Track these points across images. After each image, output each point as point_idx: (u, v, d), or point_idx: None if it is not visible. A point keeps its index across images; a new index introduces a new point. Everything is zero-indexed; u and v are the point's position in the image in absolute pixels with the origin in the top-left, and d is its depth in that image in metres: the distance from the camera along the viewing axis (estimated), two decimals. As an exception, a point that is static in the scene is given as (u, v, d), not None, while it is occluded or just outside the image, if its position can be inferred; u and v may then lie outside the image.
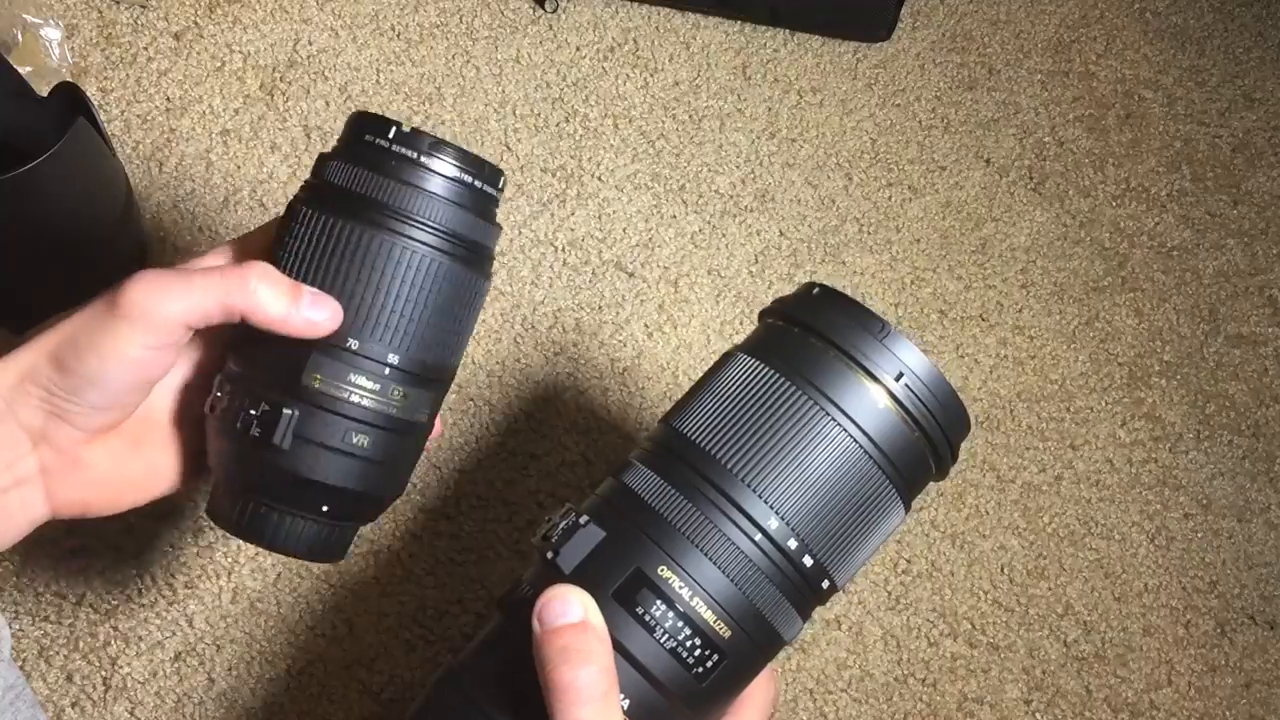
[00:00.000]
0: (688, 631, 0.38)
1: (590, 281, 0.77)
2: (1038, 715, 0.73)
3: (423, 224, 0.41)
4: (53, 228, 0.59)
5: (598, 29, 0.86)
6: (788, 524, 0.39)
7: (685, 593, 0.38)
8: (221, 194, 0.72)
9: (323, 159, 0.43)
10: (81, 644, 0.59)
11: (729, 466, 0.40)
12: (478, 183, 0.43)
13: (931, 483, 0.45)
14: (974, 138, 0.93)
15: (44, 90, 0.61)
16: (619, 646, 0.38)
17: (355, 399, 0.42)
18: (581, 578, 0.39)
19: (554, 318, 0.75)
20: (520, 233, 0.76)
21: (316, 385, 0.41)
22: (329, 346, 0.41)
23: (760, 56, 0.90)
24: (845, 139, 0.89)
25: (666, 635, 0.38)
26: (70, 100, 0.59)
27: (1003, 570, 0.76)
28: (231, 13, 0.77)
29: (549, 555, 0.40)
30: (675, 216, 0.81)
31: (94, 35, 0.74)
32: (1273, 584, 0.82)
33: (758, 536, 0.39)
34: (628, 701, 0.38)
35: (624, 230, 0.79)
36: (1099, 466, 0.82)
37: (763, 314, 0.45)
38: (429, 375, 0.43)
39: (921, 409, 0.41)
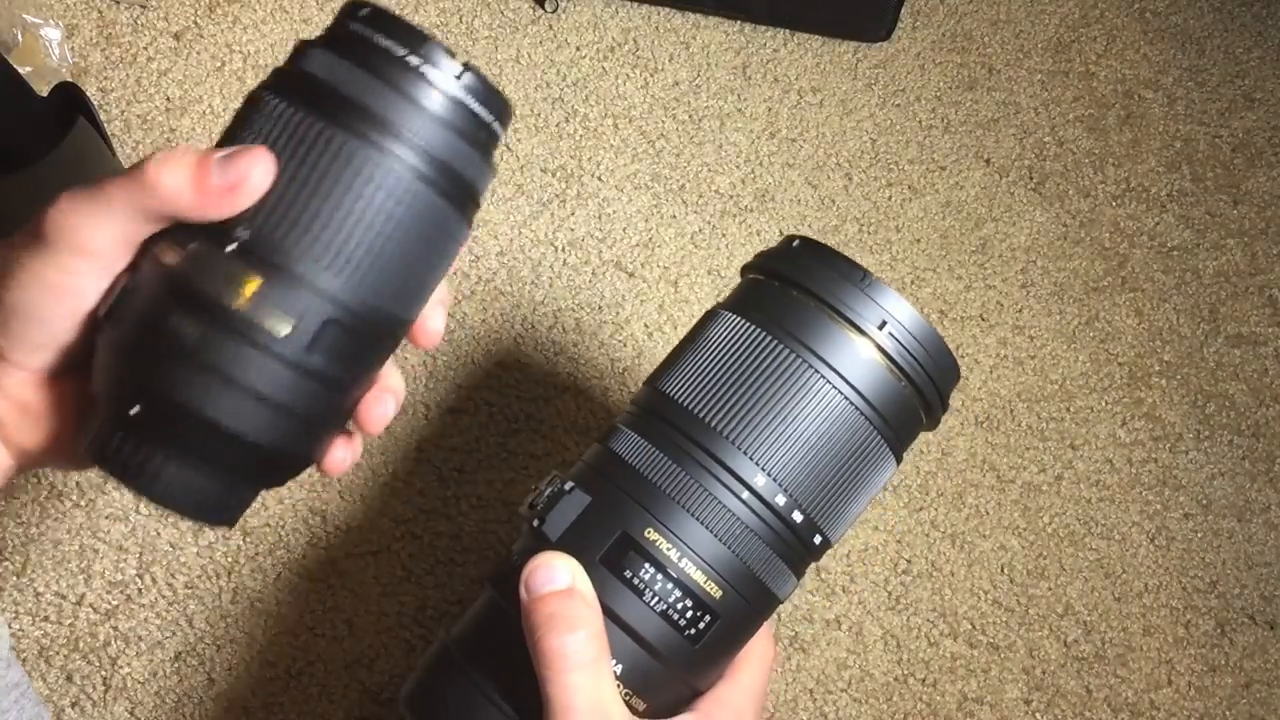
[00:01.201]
0: (678, 594, 0.38)
1: (590, 281, 0.77)
2: (1038, 715, 0.73)
3: (408, 142, 0.34)
4: (53, 228, 0.59)
5: (598, 29, 0.86)
6: (775, 480, 0.39)
7: (673, 554, 0.38)
8: (221, 194, 0.72)
9: (303, 45, 0.35)
10: (81, 644, 0.59)
11: (713, 425, 0.39)
12: (484, 111, 0.36)
13: (923, 432, 0.44)
14: (974, 138, 0.93)
15: (44, 90, 0.61)
16: (609, 611, 0.37)
17: (180, 268, 0.33)
18: (568, 544, 0.39)
19: (554, 318, 0.75)
20: (520, 233, 0.76)
21: (156, 251, 0.34)
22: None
23: (760, 56, 0.90)
24: (845, 139, 0.89)
25: (656, 598, 0.38)
26: (70, 100, 0.59)
27: (1003, 570, 0.76)
28: (231, 13, 0.77)
29: (535, 523, 0.40)
30: (675, 216, 0.81)
31: (94, 35, 0.74)
32: (1273, 584, 0.82)
33: (744, 494, 0.39)
34: (620, 666, 0.38)
35: (624, 230, 0.79)
36: (1099, 466, 0.82)
37: (744, 269, 0.45)
38: (292, 269, 0.33)
39: (908, 358, 0.40)
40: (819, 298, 0.40)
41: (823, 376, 0.39)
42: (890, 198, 0.88)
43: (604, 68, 0.85)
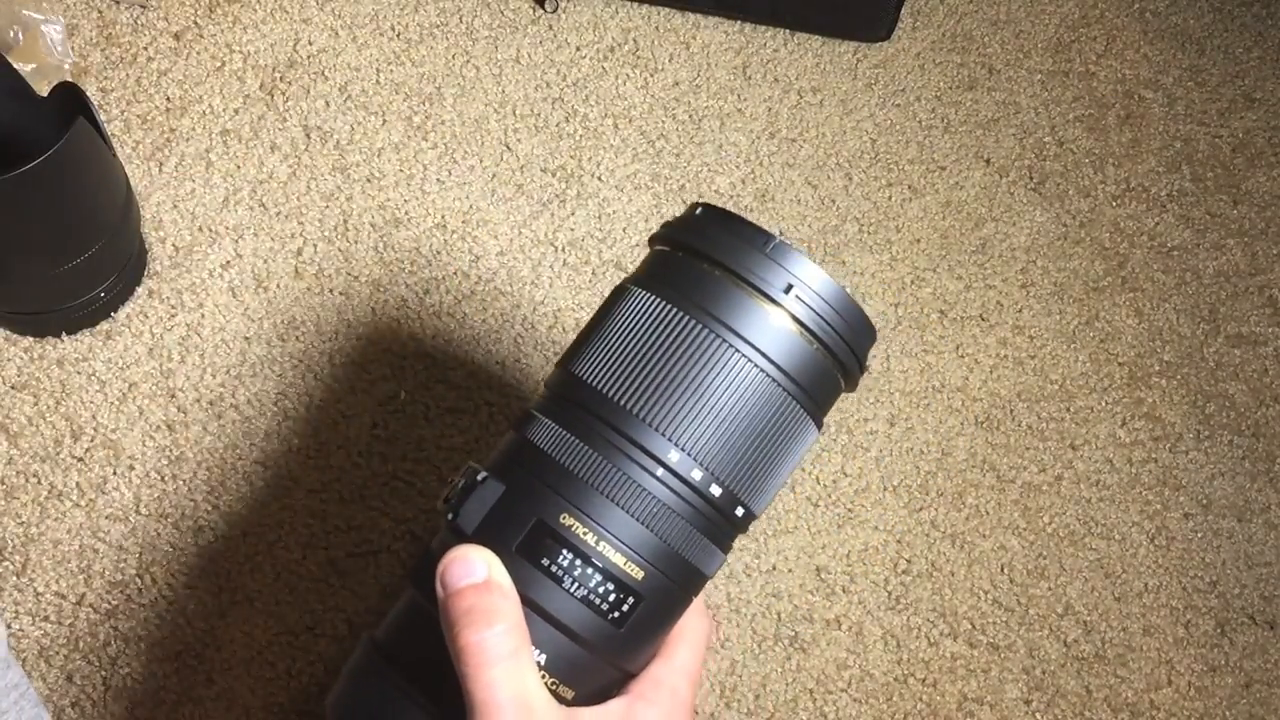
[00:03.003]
0: (598, 578, 0.37)
1: (590, 281, 0.77)
2: (1038, 715, 0.73)
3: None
4: (52, 228, 0.59)
5: (598, 29, 0.86)
6: (690, 455, 0.38)
7: (590, 539, 0.37)
8: (221, 194, 0.72)
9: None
10: (81, 644, 0.59)
11: (625, 406, 0.38)
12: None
13: (844, 394, 0.43)
14: (974, 138, 0.93)
15: (44, 90, 0.61)
16: (529, 601, 0.37)
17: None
18: (484, 536, 0.38)
19: (554, 318, 0.75)
20: (520, 233, 0.76)
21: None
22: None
23: (760, 56, 0.90)
24: (845, 139, 0.89)
25: (576, 584, 0.37)
26: (70, 100, 0.59)
27: (1003, 570, 0.76)
28: (231, 13, 0.77)
29: (450, 517, 0.39)
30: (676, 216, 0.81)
31: (94, 35, 0.74)
32: (1273, 584, 0.82)
33: (659, 471, 0.38)
34: (544, 656, 0.37)
35: (624, 230, 0.79)
36: (1099, 466, 0.82)
37: (651, 240, 0.44)
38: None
39: (819, 322, 0.39)
40: (724, 266, 0.39)
41: (733, 347, 0.38)
42: (890, 198, 0.88)
43: (604, 68, 0.85)
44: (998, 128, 0.94)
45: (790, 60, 0.91)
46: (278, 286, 0.70)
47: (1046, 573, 0.77)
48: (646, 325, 0.40)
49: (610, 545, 0.37)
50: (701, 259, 0.40)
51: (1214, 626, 0.79)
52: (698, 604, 0.41)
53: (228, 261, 0.70)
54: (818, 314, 0.39)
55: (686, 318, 0.39)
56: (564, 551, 0.37)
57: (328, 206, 0.74)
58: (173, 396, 0.65)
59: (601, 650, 0.38)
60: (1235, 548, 0.83)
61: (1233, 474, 0.85)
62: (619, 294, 0.42)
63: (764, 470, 0.40)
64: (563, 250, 0.77)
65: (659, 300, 0.40)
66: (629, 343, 0.39)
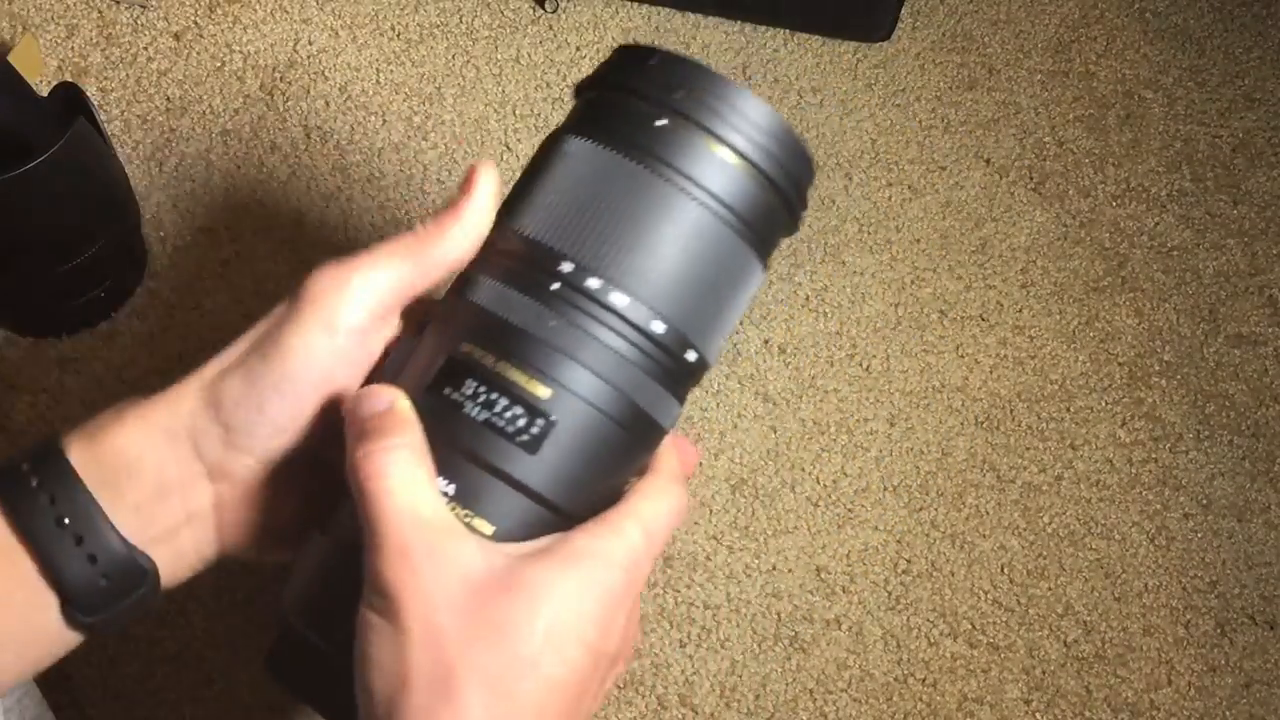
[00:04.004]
0: (504, 401, 0.35)
1: (590, 281, 0.77)
2: (1038, 715, 0.73)
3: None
4: (52, 228, 0.59)
5: (598, 29, 0.86)
6: (608, 280, 0.36)
7: (488, 360, 0.36)
8: (221, 194, 0.72)
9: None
10: (81, 644, 0.59)
11: (537, 239, 0.37)
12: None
13: (785, 236, 0.42)
14: (974, 138, 0.93)
15: (44, 90, 0.61)
16: (437, 435, 0.35)
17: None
18: (399, 383, 0.37)
19: (554, 318, 0.75)
20: (520, 233, 0.77)
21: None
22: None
23: (760, 56, 0.90)
24: (845, 139, 0.89)
25: (479, 408, 0.35)
26: (70, 100, 0.59)
27: (1003, 570, 0.76)
28: (231, 13, 0.77)
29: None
30: (675, 216, 0.81)
31: (94, 35, 0.74)
32: (1273, 584, 0.82)
33: (556, 286, 0.36)
34: (453, 486, 0.35)
35: (624, 230, 0.79)
36: (1099, 466, 0.82)
37: (578, 89, 0.42)
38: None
39: (757, 150, 0.39)
40: (623, 88, 0.38)
41: (642, 164, 0.37)
42: (890, 198, 0.88)
43: (604, 68, 0.85)
44: (998, 128, 0.94)
45: (790, 60, 0.91)
46: (277, 287, 0.70)
47: (1046, 573, 0.77)
48: (553, 159, 0.39)
49: (510, 364, 0.36)
50: (606, 88, 0.39)
51: (1214, 626, 0.79)
52: (667, 462, 0.39)
53: (227, 261, 0.70)
54: (754, 143, 0.39)
55: (580, 140, 0.38)
56: (466, 380, 0.36)
57: (328, 206, 0.74)
58: (173, 396, 0.65)
59: (515, 478, 0.36)
60: (1235, 548, 0.83)
61: (1233, 474, 0.85)
62: (551, 142, 0.41)
63: (703, 303, 0.38)
64: (563, 250, 0.77)
65: (562, 134, 0.39)
66: (545, 181, 0.38)
